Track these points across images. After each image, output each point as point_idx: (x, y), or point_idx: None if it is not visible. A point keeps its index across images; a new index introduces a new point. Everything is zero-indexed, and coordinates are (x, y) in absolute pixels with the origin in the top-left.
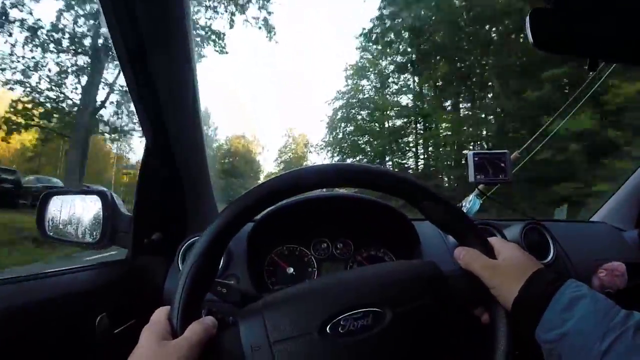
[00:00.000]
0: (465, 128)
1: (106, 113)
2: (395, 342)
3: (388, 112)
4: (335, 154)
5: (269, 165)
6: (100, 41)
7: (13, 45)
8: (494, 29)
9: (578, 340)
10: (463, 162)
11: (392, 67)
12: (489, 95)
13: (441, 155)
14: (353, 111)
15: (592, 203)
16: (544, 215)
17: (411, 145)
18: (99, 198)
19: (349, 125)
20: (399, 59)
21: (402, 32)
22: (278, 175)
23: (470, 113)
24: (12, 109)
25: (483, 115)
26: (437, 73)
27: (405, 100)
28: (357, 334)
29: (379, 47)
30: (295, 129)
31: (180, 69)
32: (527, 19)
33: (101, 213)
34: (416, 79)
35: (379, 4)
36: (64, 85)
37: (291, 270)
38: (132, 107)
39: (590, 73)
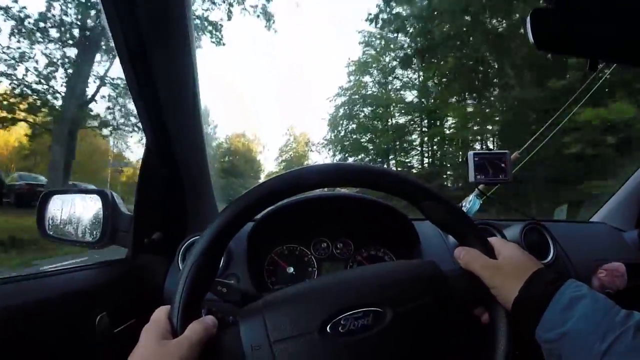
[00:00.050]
0: (471, 125)
1: (99, 108)
2: (396, 342)
3: (392, 109)
4: (337, 153)
5: (269, 165)
6: (87, 32)
7: None
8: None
9: (578, 340)
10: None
11: (395, 63)
12: (495, 93)
13: (448, 153)
14: (355, 108)
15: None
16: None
17: (415, 143)
18: (99, 197)
19: (351, 123)
20: (402, 54)
21: (411, 18)
22: (279, 175)
23: (481, 107)
24: None
25: (488, 110)
26: (447, 65)
27: (410, 96)
28: (358, 334)
29: (385, 34)
30: (296, 127)
31: (181, 68)
32: (528, 19)
33: (101, 212)
34: (421, 74)
35: None
36: (52, 78)
37: (291, 270)
38: (126, 103)
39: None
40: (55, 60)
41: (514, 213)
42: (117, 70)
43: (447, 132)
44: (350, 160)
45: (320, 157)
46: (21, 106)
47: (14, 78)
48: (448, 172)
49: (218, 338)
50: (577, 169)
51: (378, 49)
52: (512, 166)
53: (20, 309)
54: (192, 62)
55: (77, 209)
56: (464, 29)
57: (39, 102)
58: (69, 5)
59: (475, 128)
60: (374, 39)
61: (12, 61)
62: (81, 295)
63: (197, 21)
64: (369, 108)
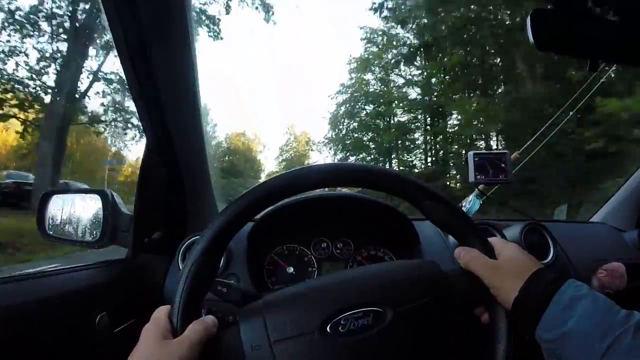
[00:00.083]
0: (475, 122)
1: (93, 104)
2: (396, 342)
3: (394, 106)
4: (338, 152)
5: (270, 164)
6: (78, 24)
7: None
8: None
9: (578, 339)
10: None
11: (398, 59)
12: (499, 91)
13: (451, 151)
14: (357, 106)
15: None
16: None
17: (418, 142)
18: (99, 197)
19: (352, 121)
20: (406, 49)
21: (416, 8)
22: (279, 175)
23: (487, 104)
24: None
25: (495, 107)
26: (452, 61)
27: (413, 94)
28: (358, 334)
29: (388, 30)
30: (296, 126)
31: (181, 67)
32: (528, 19)
33: (101, 212)
34: (425, 70)
35: None
36: (44, 73)
37: (291, 269)
38: (120, 100)
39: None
40: (46, 54)
41: (514, 213)
42: (110, 66)
43: (450, 130)
44: (352, 159)
45: (321, 156)
46: (11, 102)
47: (4, 73)
48: (452, 172)
49: (218, 338)
50: (599, 167)
51: (380, 46)
52: (512, 166)
53: (20, 309)
54: (192, 61)
55: (77, 209)
56: (471, 23)
57: (30, 98)
58: None
59: (481, 126)
60: (376, 35)
61: (2, 55)
62: (81, 294)
63: (195, 15)
64: (371, 106)
